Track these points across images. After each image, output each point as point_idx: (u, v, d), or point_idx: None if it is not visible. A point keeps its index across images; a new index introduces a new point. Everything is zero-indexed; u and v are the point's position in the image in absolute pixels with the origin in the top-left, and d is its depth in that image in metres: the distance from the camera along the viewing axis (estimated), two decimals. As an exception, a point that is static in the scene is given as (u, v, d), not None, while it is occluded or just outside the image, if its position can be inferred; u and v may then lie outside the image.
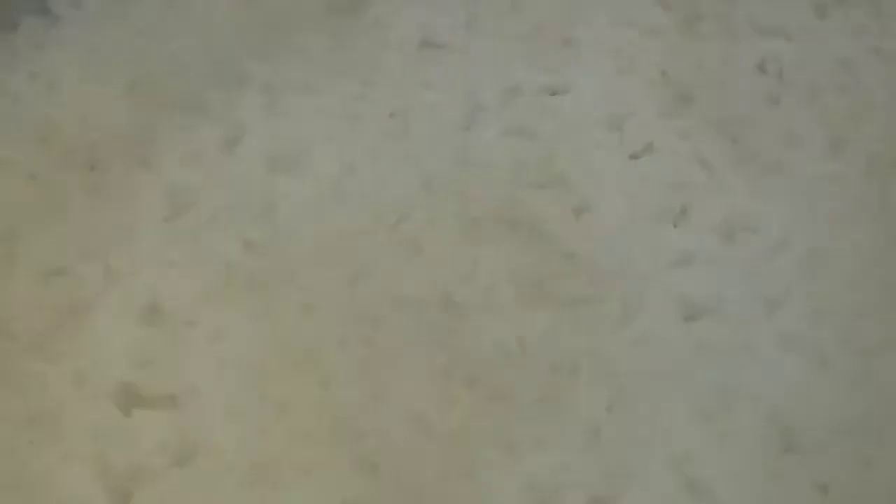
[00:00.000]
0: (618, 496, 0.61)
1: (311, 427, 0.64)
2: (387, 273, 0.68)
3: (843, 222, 0.68)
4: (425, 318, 0.67)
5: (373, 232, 0.70)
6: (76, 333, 0.68)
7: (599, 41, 0.75)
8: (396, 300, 0.67)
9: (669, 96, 0.73)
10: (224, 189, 0.72)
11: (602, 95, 0.73)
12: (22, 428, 0.66)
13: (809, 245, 0.67)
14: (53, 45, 0.79)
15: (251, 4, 0.81)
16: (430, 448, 0.63)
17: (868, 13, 0.75)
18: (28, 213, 0.73)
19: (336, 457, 0.63)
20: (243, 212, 0.71)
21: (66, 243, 0.71)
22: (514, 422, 0.63)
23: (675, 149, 0.70)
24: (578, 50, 0.75)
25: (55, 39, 0.80)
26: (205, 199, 0.72)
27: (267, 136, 0.74)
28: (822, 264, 0.66)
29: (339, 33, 0.78)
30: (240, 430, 0.64)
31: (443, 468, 0.62)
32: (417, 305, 0.67)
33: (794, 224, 0.67)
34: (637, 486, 0.61)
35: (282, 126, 0.74)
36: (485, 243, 0.69)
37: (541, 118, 0.73)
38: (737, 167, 0.70)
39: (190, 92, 0.77)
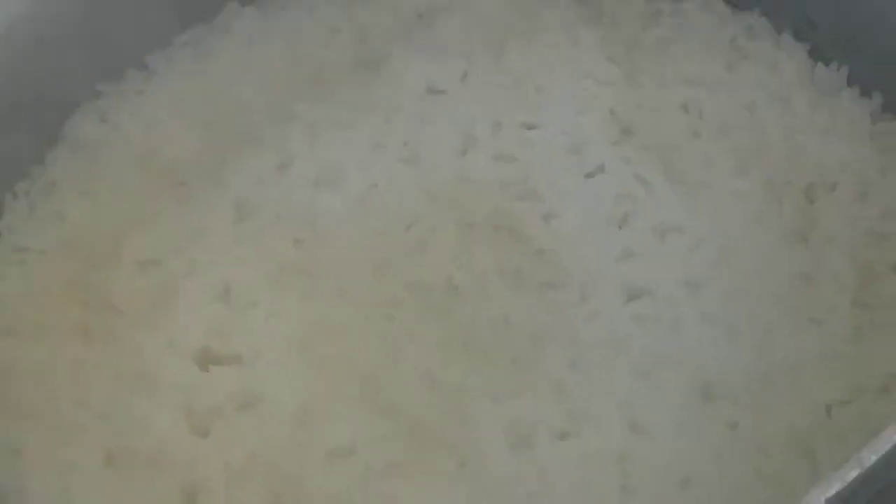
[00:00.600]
0: (577, 433, 0.61)
1: (344, 382, 0.65)
2: (401, 265, 0.69)
3: (748, 227, 0.68)
4: (431, 299, 0.67)
5: (391, 233, 0.70)
6: (167, 310, 0.69)
7: (563, 88, 0.75)
8: (409, 285, 0.68)
9: (616, 130, 0.72)
10: (278, 201, 0.72)
11: (565, 129, 0.73)
12: (126, 383, 0.67)
13: (722, 244, 0.67)
14: (150, 92, 0.79)
15: (297, 61, 0.80)
16: (435, 397, 0.64)
17: (766, 68, 0.74)
18: (131, 219, 0.73)
19: (363, 404, 0.64)
20: (292, 219, 0.71)
21: (159, 241, 0.72)
22: (498, 377, 0.64)
23: (621, 170, 0.70)
24: (547, 95, 0.75)
25: (151, 87, 0.79)
26: (263, 209, 0.72)
27: (311, 161, 0.73)
28: (732, 258, 0.67)
29: (365, 82, 0.77)
30: (290, 384, 0.65)
31: (444, 413, 0.63)
32: (425, 289, 0.68)
33: (711, 228, 0.68)
34: (592, 426, 0.62)
35: (322, 153, 0.74)
36: (477, 242, 0.69)
37: (519, 147, 0.72)
38: (667, 184, 0.70)
39: (252, 127, 0.77)
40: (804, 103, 0.72)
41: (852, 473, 0.46)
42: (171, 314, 0.68)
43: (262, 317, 0.67)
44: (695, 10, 0.78)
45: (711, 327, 0.64)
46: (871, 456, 0.47)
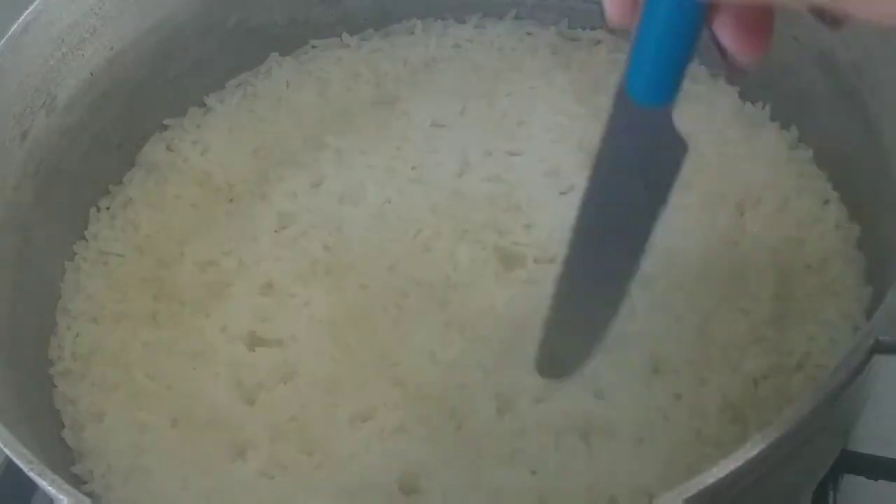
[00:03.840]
0: (550, 399, 0.61)
1: (364, 359, 0.64)
2: (410, 264, 0.68)
3: (689, 233, 0.67)
4: (434, 292, 0.67)
5: (402, 239, 0.69)
6: (221, 301, 0.68)
7: (541, 123, 0.74)
8: (416, 281, 0.67)
9: (584, 157, 0.71)
10: (311, 213, 0.72)
11: (543, 156, 0.72)
12: (188, 360, 0.66)
13: (668, 247, 0.65)
14: (207, 125, 0.79)
15: (326, 101, 0.79)
16: (436, 371, 0.63)
17: (705, 107, 0.73)
18: (192, 228, 0.73)
19: (380, 377, 0.63)
20: (323, 227, 0.71)
21: (214, 246, 0.71)
22: (487, 355, 0.63)
23: None
24: (529, 128, 0.74)
25: (208, 121, 0.79)
26: (300, 219, 0.72)
27: (338, 181, 0.73)
28: (677, 259, 0.66)
29: (381, 118, 0.77)
30: (321, 361, 0.65)
31: (444, 384, 0.62)
32: (429, 284, 0.67)
33: (659, 234, 0.64)
34: (563, 393, 0.61)
35: (347, 175, 0.73)
36: (470, 245, 0.68)
37: (505, 170, 0.72)
38: None
39: (290, 153, 0.76)
40: (736, 134, 0.71)
41: (773, 436, 0.46)
42: (224, 304, 0.68)
43: (298, 306, 0.67)
44: (647, 59, 0.77)
45: (660, 315, 0.63)
46: (788, 421, 0.47)
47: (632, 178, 0.45)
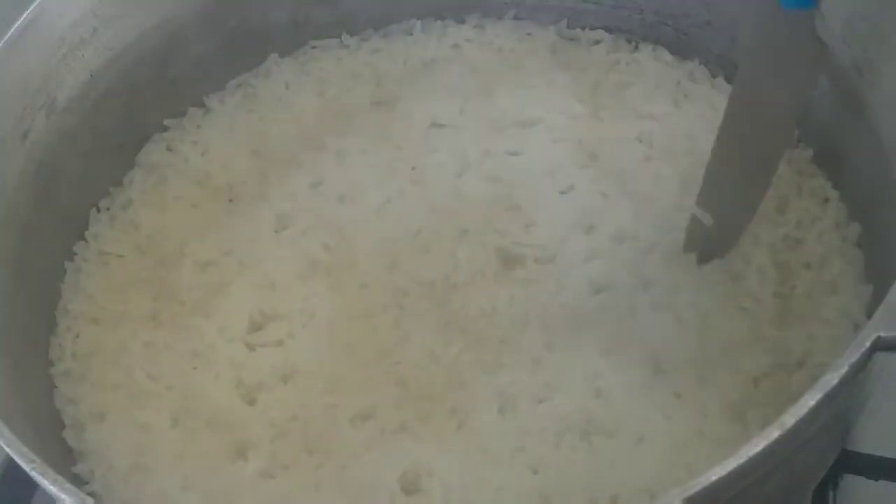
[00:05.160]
0: (551, 398, 0.61)
1: (364, 358, 0.64)
2: (410, 264, 0.68)
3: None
4: (434, 291, 0.67)
5: (402, 239, 0.69)
6: (221, 301, 0.68)
7: (541, 122, 0.74)
8: (416, 281, 0.67)
9: (584, 156, 0.71)
10: (311, 213, 0.72)
11: (543, 155, 0.72)
12: (188, 360, 0.66)
13: (668, 247, 0.66)
14: (207, 125, 0.79)
15: (326, 101, 0.79)
16: (437, 371, 0.63)
17: (705, 105, 0.74)
18: (192, 228, 0.73)
19: (380, 376, 0.63)
20: (322, 228, 0.71)
21: (214, 246, 0.71)
22: (488, 354, 0.63)
23: (587, 188, 0.70)
24: (528, 127, 0.74)
25: (208, 121, 0.79)
26: (300, 219, 0.72)
27: (338, 181, 0.73)
28: (676, 259, 0.66)
29: (381, 118, 0.77)
30: (321, 361, 0.65)
31: (445, 383, 0.62)
32: (429, 284, 0.67)
33: (658, 234, 0.67)
34: (563, 393, 0.61)
35: (347, 175, 0.73)
36: (470, 245, 0.68)
37: (505, 170, 0.72)
38: (624, 199, 0.69)
39: (290, 154, 0.76)
40: (736, 134, 0.71)
41: (775, 434, 0.46)
42: (224, 304, 0.68)
43: (298, 306, 0.67)
44: (647, 59, 0.77)
45: (660, 314, 0.63)
46: (790, 419, 0.46)
47: (775, 77, 0.55)
